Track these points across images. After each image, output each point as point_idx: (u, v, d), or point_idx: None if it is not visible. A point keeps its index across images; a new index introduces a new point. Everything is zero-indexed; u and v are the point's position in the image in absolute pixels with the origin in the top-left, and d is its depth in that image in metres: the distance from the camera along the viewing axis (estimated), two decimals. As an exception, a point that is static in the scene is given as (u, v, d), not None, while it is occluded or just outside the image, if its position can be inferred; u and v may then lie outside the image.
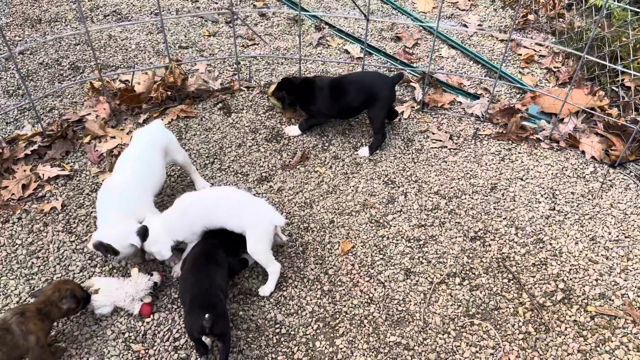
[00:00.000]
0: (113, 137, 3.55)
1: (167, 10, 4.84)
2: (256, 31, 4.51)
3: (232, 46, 4.43)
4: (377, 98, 3.47)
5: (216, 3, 5.02)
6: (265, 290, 2.79)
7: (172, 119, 3.75)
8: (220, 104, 3.90)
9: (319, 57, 4.41)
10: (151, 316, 2.68)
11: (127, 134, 3.59)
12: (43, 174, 3.30)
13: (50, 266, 2.89)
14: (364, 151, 3.57)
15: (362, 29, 4.73)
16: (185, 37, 4.59)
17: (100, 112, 3.66)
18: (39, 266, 2.89)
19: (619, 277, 2.91)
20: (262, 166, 3.48)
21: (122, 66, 4.24)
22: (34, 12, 4.84)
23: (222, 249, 2.68)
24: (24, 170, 3.31)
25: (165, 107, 3.80)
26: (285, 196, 3.29)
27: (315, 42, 4.53)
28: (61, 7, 4.91)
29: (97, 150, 3.47)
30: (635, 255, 3.01)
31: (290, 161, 3.52)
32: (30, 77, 3.93)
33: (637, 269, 2.94)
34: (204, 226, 2.78)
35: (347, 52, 4.48)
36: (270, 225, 2.75)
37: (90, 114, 3.66)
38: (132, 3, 4.98)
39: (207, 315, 2.30)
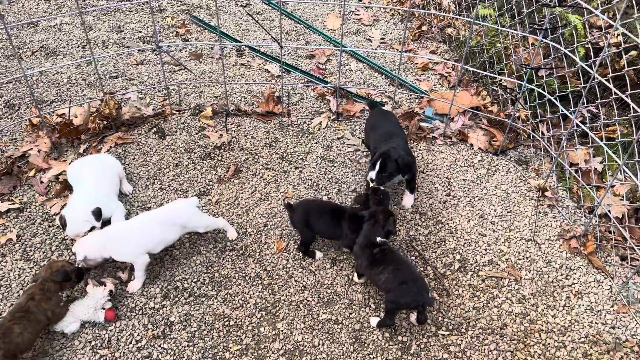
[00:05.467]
0: (57, 168, 3.85)
1: (94, 43, 5.12)
2: (181, 62, 4.90)
3: (160, 73, 4.80)
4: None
5: (140, 32, 5.35)
6: (232, 235, 3.54)
7: (111, 147, 4.08)
8: (154, 129, 4.27)
9: (242, 77, 4.87)
10: (115, 322, 3.05)
11: (69, 164, 3.89)
12: (-6, 209, 3.56)
13: (13, 292, 3.17)
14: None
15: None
16: (114, 67, 4.91)
17: (41, 146, 3.93)
18: (3, 293, 3.17)
19: (504, 245, 3.59)
20: (199, 182, 3.90)
21: (56, 100, 4.50)
22: (-41, 52, 4.97)
23: None
24: (-25, 208, 3.55)
25: (103, 136, 4.12)
26: (223, 207, 3.73)
27: (236, 64, 4.98)
28: (-14, 46, 5.07)
29: (42, 182, 3.76)
30: (516, 227, 3.70)
31: (224, 175, 3.96)
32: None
33: (517, 238, 3.63)
34: (147, 250, 3.23)
35: (267, 71, 4.97)
36: (194, 208, 3.39)
37: (32, 149, 3.92)
38: (58, 38, 5.21)
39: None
